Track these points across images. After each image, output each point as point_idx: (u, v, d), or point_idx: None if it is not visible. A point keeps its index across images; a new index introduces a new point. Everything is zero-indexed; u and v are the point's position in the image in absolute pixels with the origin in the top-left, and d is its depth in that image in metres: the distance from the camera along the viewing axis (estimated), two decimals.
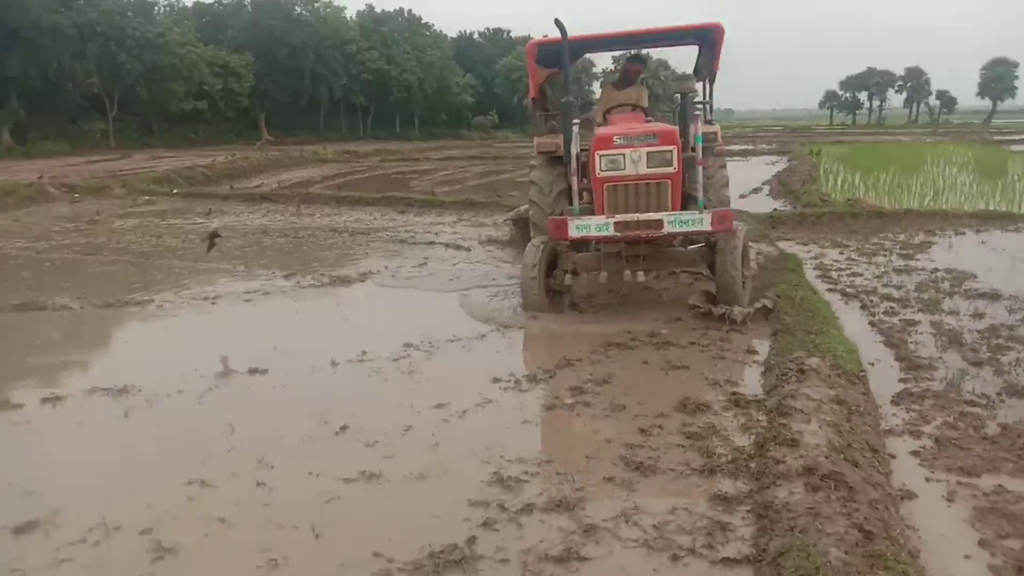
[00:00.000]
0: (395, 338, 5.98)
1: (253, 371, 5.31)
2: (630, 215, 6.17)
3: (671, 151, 6.21)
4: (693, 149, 6.62)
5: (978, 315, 6.48)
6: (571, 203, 6.83)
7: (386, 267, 9.08)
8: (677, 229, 6.16)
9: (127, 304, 7.37)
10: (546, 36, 7.18)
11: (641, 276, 6.58)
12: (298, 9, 61.04)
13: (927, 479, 3.70)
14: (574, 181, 6.74)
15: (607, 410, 4.46)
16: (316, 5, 62.02)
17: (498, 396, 4.81)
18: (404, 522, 3.25)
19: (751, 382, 4.87)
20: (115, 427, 4.45)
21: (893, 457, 3.92)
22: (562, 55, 6.84)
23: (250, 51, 56.97)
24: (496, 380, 5.06)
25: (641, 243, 6.47)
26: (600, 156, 6.30)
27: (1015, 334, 5.93)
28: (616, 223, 6.13)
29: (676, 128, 6.56)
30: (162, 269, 9.21)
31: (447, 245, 10.60)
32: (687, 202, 6.72)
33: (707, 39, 7.83)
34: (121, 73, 46.44)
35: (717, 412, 4.37)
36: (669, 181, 6.27)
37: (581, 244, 6.77)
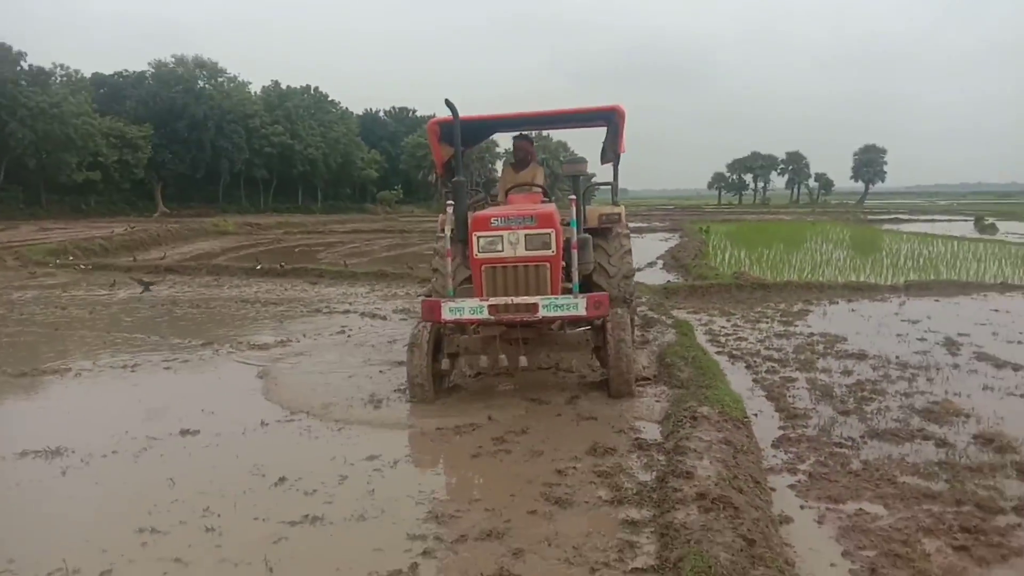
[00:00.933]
0: (317, 398, 6.30)
1: (184, 432, 5.52)
2: (505, 298, 6.07)
3: (550, 233, 6.14)
4: (580, 229, 6.65)
5: (847, 372, 7.29)
6: (463, 281, 6.87)
7: (304, 335, 9.33)
8: (552, 313, 6.06)
9: (44, 373, 7.37)
10: (446, 116, 7.34)
11: (523, 360, 6.36)
12: (201, 83, 60.81)
13: (801, 506, 4.30)
14: (447, 263, 6.61)
15: (526, 455, 4.94)
16: (221, 79, 61.96)
17: (427, 447, 5.21)
18: (350, 555, 3.59)
19: (651, 429, 5.47)
20: (55, 485, 4.58)
21: (773, 490, 4.52)
22: (455, 135, 6.90)
23: (149, 122, 56.14)
24: (424, 433, 5.47)
25: (518, 327, 6.39)
26: (478, 237, 6.21)
27: (877, 388, 6.73)
28: (490, 306, 6.03)
29: (555, 210, 6.54)
30: (73, 340, 9.15)
31: (362, 314, 10.94)
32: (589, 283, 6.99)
33: (611, 120, 8.01)
34: (11, 142, 44.90)
35: (623, 454, 4.93)
36: (548, 264, 6.19)
37: (463, 327, 6.59)
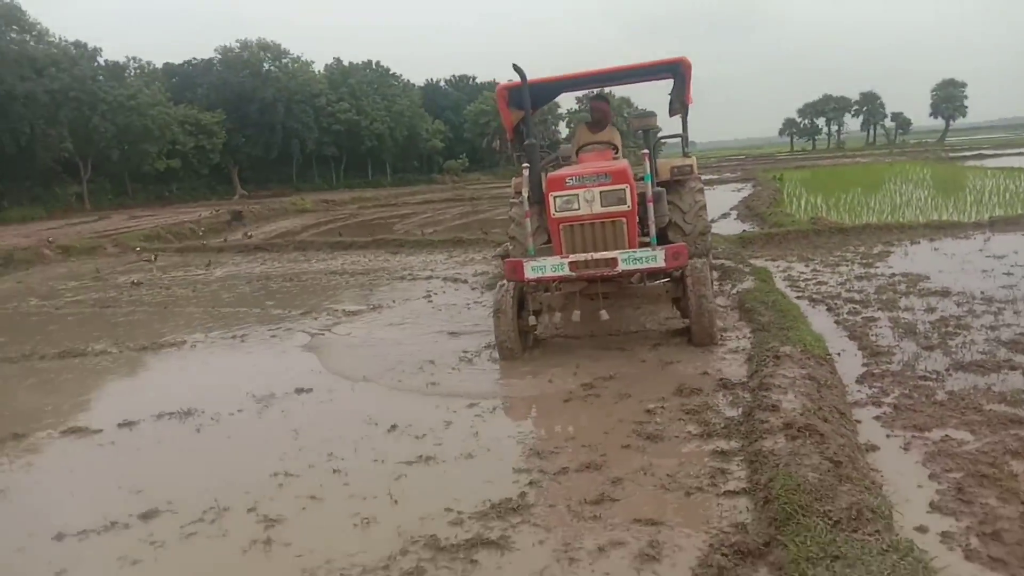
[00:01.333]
0: (414, 357, 6.73)
1: (299, 390, 6.02)
2: (585, 254, 6.26)
3: (624, 189, 6.26)
4: (654, 182, 6.79)
5: (930, 309, 7.29)
6: (543, 243, 7.04)
7: (393, 301, 9.80)
8: (631, 267, 6.22)
9: (163, 346, 8.02)
10: (514, 81, 7.30)
11: (604, 315, 6.58)
12: (267, 65, 62.17)
13: (887, 435, 4.46)
14: (528, 222, 6.84)
15: (615, 398, 5.24)
16: (285, 60, 63.23)
17: (521, 396, 5.58)
18: (463, 488, 3.96)
19: (735, 370, 5.67)
20: (192, 440, 5.13)
21: (859, 421, 4.69)
22: (524, 98, 7.06)
23: (221, 108, 57.89)
24: (515, 384, 5.84)
25: (599, 282, 6.60)
26: (554, 197, 6.37)
27: (962, 323, 6.73)
28: (571, 263, 6.23)
29: (628, 166, 6.62)
30: (182, 316, 9.84)
31: (444, 279, 11.37)
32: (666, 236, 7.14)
33: (677, 72, 8.04)
34: (94, 136, 47.01)
35: (709, 393, 5.18)
36: (624, 219, 6.33)
37: (545, 284, 6.79)
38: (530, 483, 3.95)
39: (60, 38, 47.12)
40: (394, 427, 4.99)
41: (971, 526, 3.35)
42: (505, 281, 6.66)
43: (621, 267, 6.20)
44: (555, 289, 6.86)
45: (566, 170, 6.72)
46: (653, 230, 6.57)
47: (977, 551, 3.14)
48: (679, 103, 8.30)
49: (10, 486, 4.57)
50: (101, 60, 49.77)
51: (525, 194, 6.90)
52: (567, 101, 73.92)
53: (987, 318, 6.81)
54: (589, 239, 6.39)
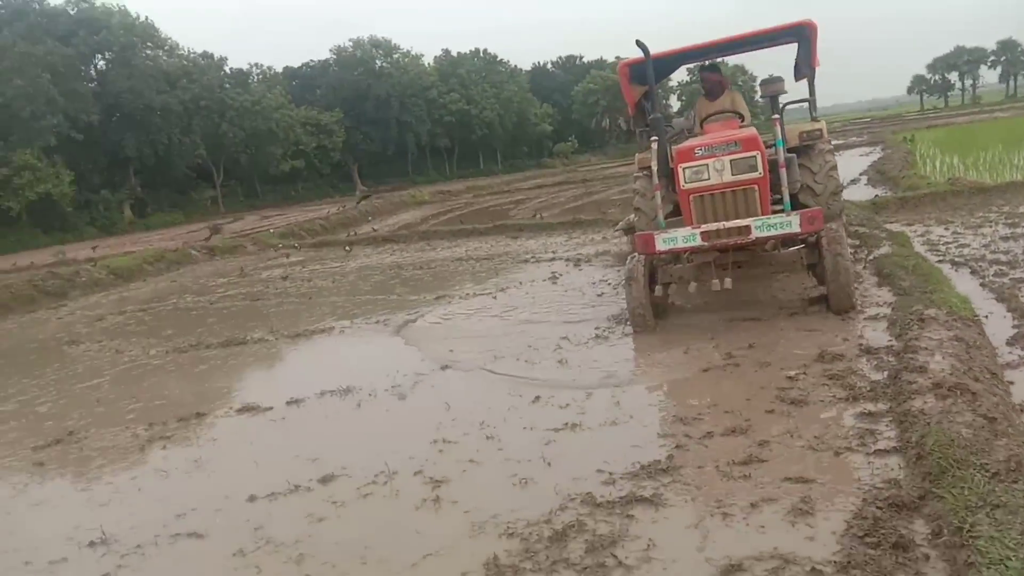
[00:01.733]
0: (546, 334, 7.01)
1: (444, 367, 6.41)
2: (716, 224, 6.26)
3: (755, 156, 6.28)
4: (783, 149, 6.65)
5: None
6: (666, 215, 6.98)
7: (519, 283, 10.11)
8: (765, 233, 6.18)
9: (314, 333, 8.62)
10: (636, 57, 7.41)
11: (728, 283, 6.49)
12: (379, 62, 64.09)
13: None
14: (658, 196, 6.85)
15: (755, 367, 5.30)
16: (396, 56, 64.98)
17: (658, 367, 5.74)
18: (611, 451, 4.17)
19: (878, 336, 5.59)
20: (355, 414, 5.58)
21: (1012, 383, 4.58)
22: (647, 73, 7.15)
23: (339, 107, 60.21)
24: (652, 355, 6.01)
25: (730, 251, 6.56)
26: (683, 168, 6.44)
27: None
28: (703, 233, 6.24)
29: (757, 133, 6.60)
30: (326, 305, 10.50)
31: (566, 260, 11.59)
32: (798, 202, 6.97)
33: (802, 35, 7.90)
34: (224, 142, 50.00)
35: (852, 359, 5.15)
36: (756, 187, 6.33)
37: (677, 256, 6.80)
38: (677, 447, 4.12)
39: (189, 50, 50.38)
40: (537, 398, 5.26)
41: None
42: (636, 253, 6.78)
43: (755, 234, 6.17)
44: (686, 261, 6.87)
45: (694, 141, 6.77)
46: (787, 196, 6.51)
47: None
48: (806, 67, 8.13)
49: (201, 457, 5.13)
50: (227, 68, 52.78)
51: (654, 167, 6.90)
52: (677, 73, 72.35)
53: None
54: (720, 208, 6.42)
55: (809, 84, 8.17)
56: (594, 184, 32.39)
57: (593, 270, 10.48)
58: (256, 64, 58.70)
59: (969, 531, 2.68)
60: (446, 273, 12.10)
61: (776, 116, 6.68)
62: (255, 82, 55.89)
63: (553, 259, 11.95)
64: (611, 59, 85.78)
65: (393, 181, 62.14)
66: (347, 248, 17.60)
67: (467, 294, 9.78)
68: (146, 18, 47.26)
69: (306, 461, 4.69)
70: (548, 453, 4.27)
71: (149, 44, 47.48)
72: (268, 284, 13.45)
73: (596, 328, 7.12)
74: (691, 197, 6.50)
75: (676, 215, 7.03)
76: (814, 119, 8.01)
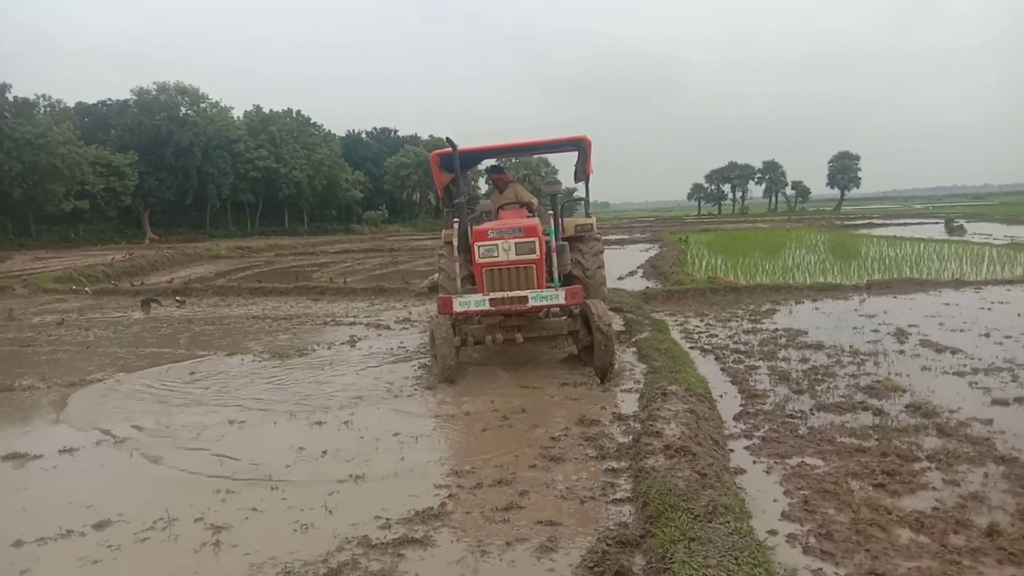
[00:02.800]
0: (344, 394, 7.26)
1: (231, 422, 6.46)
2: (502, 292, 7.72)
3: (534, 241, 7.80)
4: (558, 237, 8.45)
5: (804, 360, 8.22)
6: (463, 282, 8.46)
7: (317, 344, 10.24)
8: (539, 303, 7.71)
9: (91, 382, 8.24)
10: (445, 149, 8.95)
11: (519, 338, 7.94)
12: (184, 109, 61.58)
13: (753, 461, 5.25)
14: (457, 267, 8.43)
15: (526, 428, 5.94)
16: (203, 105, 62.77)
17: (442, 425, 6.21)
18: (391, 500, 4.53)
19: (630, 405, 6.46)
20: (140, 462, 5.50)
21: (732, 451, 5.49)
22: (454, 165, 8.64)
23: (135, 150, 56.83)
24: (438, 415, 6.46)
25: (513, 316, 8.00)
26: (478, 246, 7.85)
27: (829, 371, 7.65)
28: (491, 299, 7.69)
29: (538, 223, 8.07)
30: (107, 355, 10.00)
31: (367, 324, 11.87)
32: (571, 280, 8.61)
33: (580, 147, 9.70)
34: None
35: (606, 424, 5.94)
36: (534, 265, 7.83)
37: (470, 317, 8.15)
38: (449, 496, 4.57)
39: None
40: (324, 453, 5.52)
41: (811, 529, 4.11)
42: (438, 314, 7.87)
43: (532, 303, 7.68)
44: (478, 322, 8.24)
45: (488, 225, 8.25)
46: (556, 275, 8.14)
47: (813, 547, 3.90)
48: (582, 173, 10.01)
49: None
50: (10, 96, 48.34)
51: (455, 243, 8.33)
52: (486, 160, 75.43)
53: (851, 368, 7.76)
54: (506, 280, 7.86)
55: (585, 187, 9.98)
56: (401, 254, 32.95)
57: (393, 336, 10.84)
58: (44, 95, 54.32)
59: (670, 559, 3.33)
60: (239, 331, 11.92)
61: (551, 212, 8.31)
62: (41, 114, 51.57)
63: (354, 323, 12.17)
64: (425, 136, 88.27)
65: (188, 232, 59.18)
66: (178, 300, 16.43)
67: (261, 352, 9.74)
68: None
69: (80, 507, 4.61)
70: (331, 502, 4.55)
71: None
72: (40, 330, 12.50)
73: (389, 385, 7.49)
74: (483, 270, 7.88)
75: (472, 283, 8.35)
76: (587, 215, 9.82)
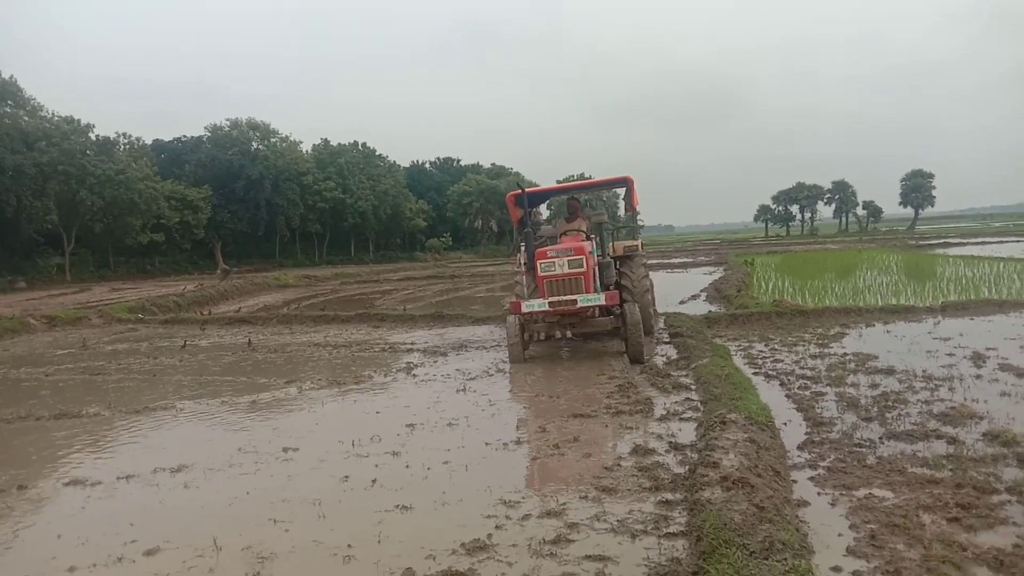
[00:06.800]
0: (401, 418, 7.25)
1: (286, 449, 6.49)
2: (557, 297, 10.02)
3: (581, 259, 10.14)
4: (604, 256, 11.42)
5: (874, 386, 7.87)
6: (530, 293, 11.15)
7: (372, 373, 10.29)
8: (585, 304, 9.96)
9: (154, 410, 8.43)
10: (519, 190, 12.05)
11: (569, 333, 10.48)
12: (255, 144, 63.66)
13: (818, 493, 5.00)
14: (525, 279, 11.42)
15: (578, 457, 5.77)
16: (273, 140, 64.80)
17: (494, 453, 6.11)
18: (438, 529, 4.45)
19: (687, 434, 6.24)
20: (186, 490, 5.56)
21: (795, 481, 5.24)
22: (524, 203, 11.84)
23: (208, 184, 58.89)
24: (488, 444, 6.38)
25: (567, 316, 10.26)
26: (540, 263, 10.27)
27: (900, 397, 7.32)
28: (549, 302, 10.02)
29: (586, 245, 10.57)
30: (170, 383, 10.25)
31: (424, 351, 11.90)
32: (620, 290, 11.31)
33: (626, 185, 12.96)
34: (81, 209, 47.56)
35: (661, 454, 5.73)
36: (581, 276, 10.13)
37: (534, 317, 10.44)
38: (496, 527, 4.45)
39: (53, 113, 48.30)
40: (374, 482, 5.48)
41: (878, 566, 3.86)
42: (512, 314, 10.46)
43: (580, 304, 9.97)
44: (541, 320, 10.56)
45: (549, 248, 10.63)
46: (599, 284, 10.66)
47: None
48: (629, 206, 13.28)
49: (18, 529, 4.95)
50: (93, 135, 50.79)
51: (523, 263, 11.47)
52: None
53: (924, 394, 7.39)
54: (561, 288, 10.15)
55: (632, 217, 13.89)
56: (462, 280, 33.17)
57: (450, 362, 10.84)
58: (124, 134, 56.84)
59: None
60: (301, 359, 12.07)
61: (594, 236, 11.48)
62: (122, 151, 53.96)
63: (411, 350, 12.22)
64: (487, 164, 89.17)
65: (259, 262, 60.85)
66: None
67: (320, 379, 9.83)
68: (10, 76, 45.30)
69: (132, 534, 4.66)
70: (378, 531, 4.49)
71: (9, 103, 45.28)
72: (110, 359, 12.91)
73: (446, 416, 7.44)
74: (544, 281, 10.27)
75: (537, 295, 10.62)
76: (634, 239, 13.00)
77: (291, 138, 67.16)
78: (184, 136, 65.99)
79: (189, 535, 4.58)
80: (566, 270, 10.06)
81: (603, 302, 9.95)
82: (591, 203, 66.53)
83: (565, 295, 9.98)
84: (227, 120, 64.22)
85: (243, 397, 8.99)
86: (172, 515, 5.09)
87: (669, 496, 4.79)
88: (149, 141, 62.11)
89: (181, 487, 5.65)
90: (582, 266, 10.06)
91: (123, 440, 7.43)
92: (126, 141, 56.73)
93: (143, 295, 27.48)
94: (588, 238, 11.39)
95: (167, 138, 66.01)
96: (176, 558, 4.26)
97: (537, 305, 10.05)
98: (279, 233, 64.90)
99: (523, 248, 11.31)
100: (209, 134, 64.19)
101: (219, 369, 11.28)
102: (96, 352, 14.01)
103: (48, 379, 11.13)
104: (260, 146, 63.81)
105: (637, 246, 12.45)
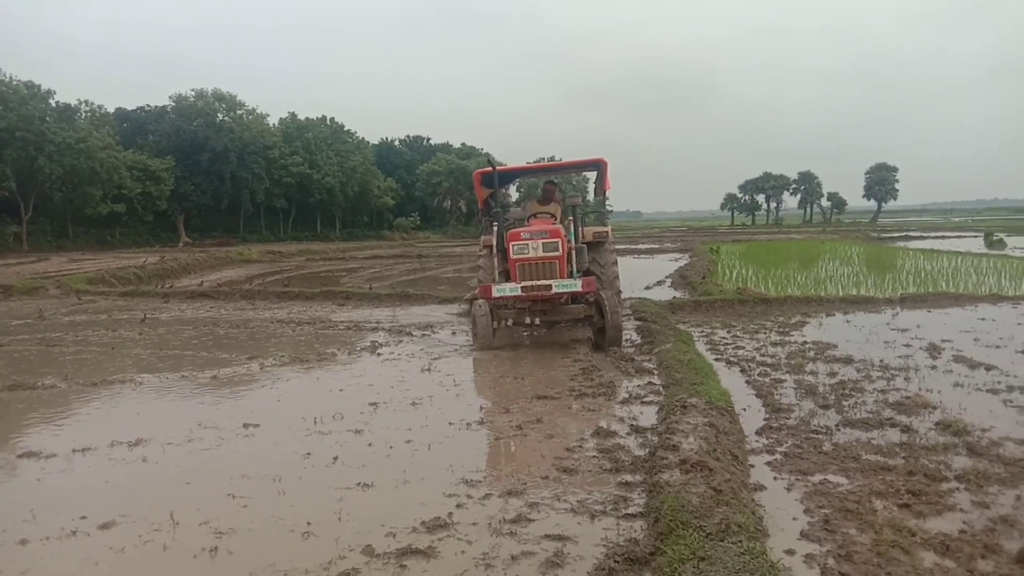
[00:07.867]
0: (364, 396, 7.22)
1: (246, 425, 6.43)
2: (531, 282, 9.59)
3: (557, 242, 9.74)
4: (577, 240, 10.51)
5: (832, 374, 8.03)
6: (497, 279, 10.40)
7: (336, 351, 10.22)
8: (560, 290, 9.61)
9: (112, 383, 8.28)
10: (487, 168, 11.54)
11: (538, 321, 10.29)
12: (221, 116, 62.43)
13: (774, 478, 5.09)
14: (496, 261, 10.60)
15: (541, 438, 5.81)
16: (240, 112, 63.59)
17: (457, 433, 6.11)
18: (399, 507, 4.45)
19: (648, 418, 6.31)
20: (141, 464, 5.49)
21: (752, 466, 5.32)
22: (494, 181, 11.19)
23: (172, 155, 57.70)
24: (452, 424, 6.38)
25: (539, 301, 9.88)
26: (513, 245, 9.77)
27: (857, 386, 7.46)
28: (523, 287, 9.59)
29: (561, 228, 10.05)
30: (130, 356, 10.07)
31: (389, 330, 11.84)
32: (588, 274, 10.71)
33: (598, 168, 12.01)
34: (39, 177, 46.38)
35: (623, 436, 5.79)
36: (556, 261, 9.75)
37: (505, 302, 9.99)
38: (457, 505, 4.47)
39: (11, 77, 46.84)
40: (335, 459, 5.46)
41: (830, 550, 3.95)
42: (480, 299, 9.86)
43: (555, 289, 9.61)
44: (512, 306, 10.19)
45: (522, 229, 10.16)
46: (574, 269, 10.14)
47: (831, 568, 3.74)
48: (600, 190, 12.42)
49: None
50: (54, 102, 49.38)
51: (493, 244, 10.82)
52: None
53: (880, 383, 7.56)
54: (535, 272, 9.72)
55: (602, 201, 12.89)
56: (429, 260, 33.06)
57: (415, 342, 10.80)
58: (86, 101, 55.31)
59: None
60: (264, 335, 11.92)
61: (571, 218, 10.71)
62: (83, 119, 52.55)
63: (376, 329, 12.15)
64: (457, 144, 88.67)
65: (222, 236, 59.95)
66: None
67: (282, 355, 9.75)
68: None
69: (87, 508, 4.59)
70: (337, 511, 4.47)
71: None
72: (68, 330, 12.65)
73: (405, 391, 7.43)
74: (517, 264, 9.79)
75: (506, 278, 10.17)
76: (603, 225, 12.47)
77: (258, 111, 65.94)
78: (148, 105, 64.50)
79: (145, 509, 4.52)
80: (540, 253, 9.61)
81: (579, 288, 9.54)
82: (561, 187, 66.71)
83: (539, 279, 9.54)
84: (192, 90, 62.85)
85: (204, 372, 8.87)
86: (129, 489, 5.02)
87: (629, 478, 4.84)
88: (112, 110, 60.73)
89: (139, 461, 5.56)
90: (557, 250, 9.65)
91: (80, 413, 7.28)
92: (88, 109, 55.26)
93: (103, 266, 26.95)
94: (561, 223, 10.85)
95: (130, 107, 64.49)
96: (131, 532, 4.21)
97: (509, 290, 9.52)
98: (243, 207, 63.85)
99: (493, 229, 10.71)
100: (173, 104, 62.76)
101: (180, 343, 11.11)
102: (53, 323, 13.71)
103: (2, 349, 10.87)
104: (226, 118, 62.49)
105: (607, 232, 11.93)
